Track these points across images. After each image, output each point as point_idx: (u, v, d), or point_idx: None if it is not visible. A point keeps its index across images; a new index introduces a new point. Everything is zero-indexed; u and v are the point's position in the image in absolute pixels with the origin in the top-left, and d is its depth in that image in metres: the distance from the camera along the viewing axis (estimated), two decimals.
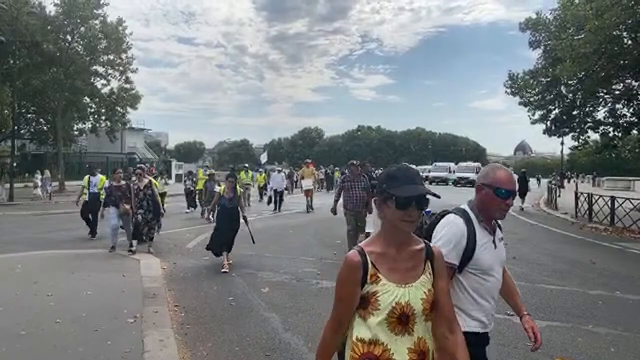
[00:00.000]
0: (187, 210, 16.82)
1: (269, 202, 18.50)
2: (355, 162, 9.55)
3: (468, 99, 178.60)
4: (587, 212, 16.25)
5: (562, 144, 51.22)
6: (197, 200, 17.01)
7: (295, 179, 29.96)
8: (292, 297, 6.04)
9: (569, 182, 48.86)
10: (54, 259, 8.07)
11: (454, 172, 44.86)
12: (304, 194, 18.07)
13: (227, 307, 5.62)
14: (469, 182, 39.86)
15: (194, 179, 17.76)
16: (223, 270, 7.44)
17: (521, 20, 22.33)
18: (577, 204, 17.52)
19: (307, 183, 18.11)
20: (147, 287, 6.31)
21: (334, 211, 9.10)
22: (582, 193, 17.82)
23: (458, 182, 40.80)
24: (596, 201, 16.04)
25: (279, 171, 19.60)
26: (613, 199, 14.93)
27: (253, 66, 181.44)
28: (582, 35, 16.24)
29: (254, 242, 8.20)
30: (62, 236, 11.23)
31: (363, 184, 8.53)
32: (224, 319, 5.21)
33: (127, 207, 8.82)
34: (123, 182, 9.25)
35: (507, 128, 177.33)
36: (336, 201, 9.01)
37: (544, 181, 43.49)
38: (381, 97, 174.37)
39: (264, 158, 40.18)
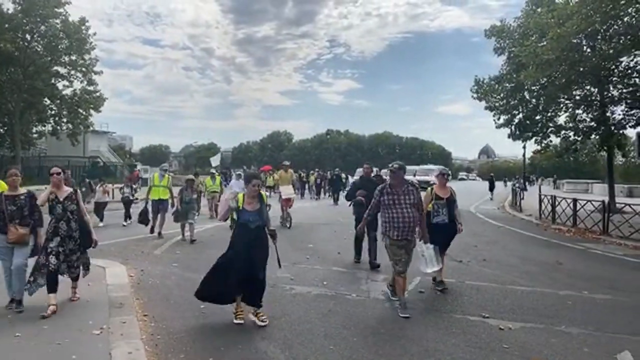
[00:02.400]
0: (125, 223, 14.15)
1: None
2: (368, 165, 9.17)
3: (434, 103, 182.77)
4: (551, 214, 16.75)
5: (523, 147, 52.64)
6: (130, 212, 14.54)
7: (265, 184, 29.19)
8: (266, 303, 5.85)
9: (531, 185, 50.33)
10: None
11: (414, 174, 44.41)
12: (282, 204, 14.03)
13: (198, 315, 5.43)
14: (429, 186, 39.53)
15: (133, 186, 15.93)
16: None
17: (486, 27, 22.91)
18: (540, 206, 18.03)
19: (287, 191, 14.31)
20: (114, 296, 6.04)
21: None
22: (545, 195, 18.34)
23: (420, 187, 40.70)
24: (559, 203, 16.54)
25: (239, 176, 15.43)
26: (575, 201, 15.40)
27: (220, 69, 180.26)
28: (545, 43, 16.74)
29: (280, 266, 5.61)
30: None
31: (413, 198, 5.73)
32: (196, 328, 5.02)
33: (23, 231, 5.30)
34: (23, 191, 5.48)
35: (471, 132, 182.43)
36: (366, 219, 6.34)
37: (509, 184, 44.79)
38: (349, 101, 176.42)
39: (215, 161, 33.18)
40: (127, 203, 14.77)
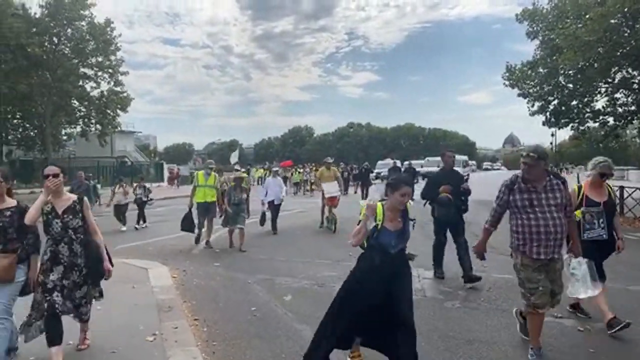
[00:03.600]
0: (137, 226, 13.17)
1: (263, 221, 11.45)
2: (450, 152, 7.17)
3: (454, 93, 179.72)
4: None
5: (552, 135, 51.34)
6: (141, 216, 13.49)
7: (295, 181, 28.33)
8: (319, 305, 5.57)
9: (566, 173, 48.94)
10: None
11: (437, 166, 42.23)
12: (326, 203, 12.26)
13: (251, 319, 5.18)
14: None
15: (146, 186, 14.30)
16: None
17: (510, 13, 22.17)
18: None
19: (331, 188, 12.29)
20: (161, 299, 5.85)
21: (480, 255, 4.64)
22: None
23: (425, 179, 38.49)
24: None
25: (276, 173, 13.27)
26: (622, 188, 14.70)
27: (240, 66, 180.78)
28: (584, 24, 15.98)
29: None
30: None
31: (559, 197, 3.98)
32: (251, 333, 4.77)
33: (5, 261, 3.68)
34: (10, 203, 3.85)
35: (493, 121, 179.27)
36: (488, 231, 4.46)
37: None
38: (369, 94, 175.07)
39: (234, 158, 31.04)
40: (140, 205, 13.69)
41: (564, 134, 67.05)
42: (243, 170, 18.55)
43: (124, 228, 12.79)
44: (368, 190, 21.70)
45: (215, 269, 7.73)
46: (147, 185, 14.92)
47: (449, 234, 6.82)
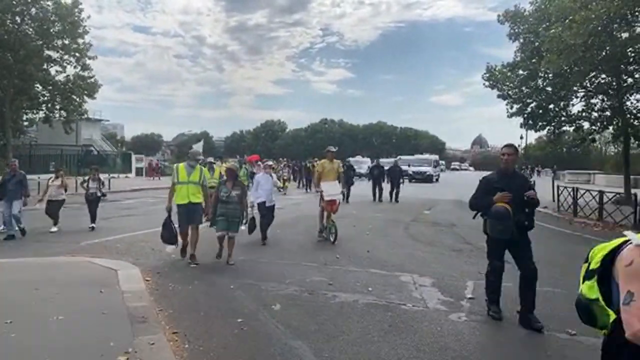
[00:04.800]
0: (90, 226, 11.16)
1: (252, 229, 9.30)
2: (510, 147, 5.13)
3: (426, 93, 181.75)
4: (572, 206, 16.05)
5: (521, 137, 52.25)
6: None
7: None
8: (312, 316, 5.07)
9: (537, 175, 49.83)
10: (9, 271, 6.74)
11: (408, 165, 38.28)
12: (325, 208, 9.74)
13: (238, 333, 4.58)
14: (425, 178, 36.70)
15: (101, 178, 12.14)
16: None
17: (479, 17, 22.15)
18: (558, 198, 17.36)
19: (331, 189, 9.71)
20: (133, 307, 5.18)
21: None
22: (565, 187, 17.67)
23: (413, 178, 37.07)
24: (582, 195, 15.85)
25: (268, 167, 10.76)
26: (602, 193, 14.73)
27: (212, 57, 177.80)
28: (568, 27, 15.91)
29: None
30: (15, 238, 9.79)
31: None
32: (240, 351, 4.17)
33: None
34: None
35: (463, 123, 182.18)
36: None
37: None
38: (342, 90, 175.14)
39: (197, 149, 27.46)
40: (93, 202, 11.47)
41: (530, 137, 68.31)
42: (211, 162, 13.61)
43: (54, 228, 10.81)
44: (349, 189, 19.62)
45: (192, 271, 7.06)
46: (102, 177, 12.60)
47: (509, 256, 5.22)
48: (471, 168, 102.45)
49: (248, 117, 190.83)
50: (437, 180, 40.22)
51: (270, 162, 10.65)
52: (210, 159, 13.84)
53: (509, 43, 21.62)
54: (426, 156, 46.17)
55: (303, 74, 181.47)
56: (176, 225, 7.65)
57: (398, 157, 39.20)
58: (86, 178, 12.13)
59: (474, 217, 5.39)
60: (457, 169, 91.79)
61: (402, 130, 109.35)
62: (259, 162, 17.60)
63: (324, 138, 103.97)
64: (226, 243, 7.70)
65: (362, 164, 39.61)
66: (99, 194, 11.67)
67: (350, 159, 37.87)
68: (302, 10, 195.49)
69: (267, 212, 9.62)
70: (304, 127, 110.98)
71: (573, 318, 5.08)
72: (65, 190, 11.61)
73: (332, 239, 9.49)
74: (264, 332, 4.60)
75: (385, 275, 6.92)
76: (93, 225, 11.25)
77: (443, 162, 65.81)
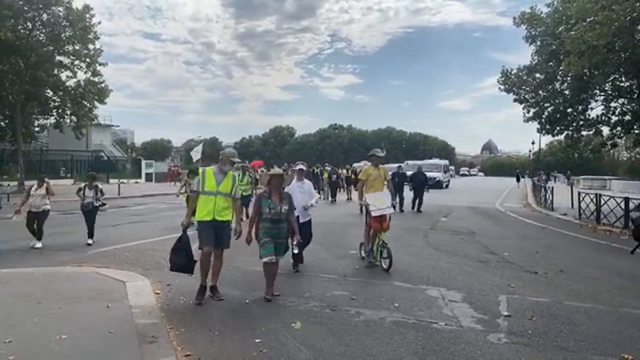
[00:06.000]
0: (90, 242, 9.82)
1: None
2: None
3: (435, 99, 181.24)
4: (595, 213, 15.47)
5: (532, 142, 51.40)
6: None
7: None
8: (337, 336, 4.64)
9: (554, 181, 48.88)
10: (11, 282, 6.38)
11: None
12: (372, 225, 7.82)
13: (257, 356, 4.16)
14: (435, 184, 32.69)
15: (99, 187, 10.34)
16: None
17: (487, 22, 21.72)
18: (579, 204, 16.78)
19: (380, 202, 7.82)
20: (142, 325, 4.79)
21: None
22: (586, 193, 17.10)
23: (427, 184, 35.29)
24: (606, 202, 15.28)
25: (301, 172, 8.09)
26: (627, 200, 14.14)
27: (221, 63, 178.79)
28: (591, 28, 15.41)
29: None
30: (21, 247, 9.40)
31: None
32: None
33: None
34: None
35: (472, 128, 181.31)
36: None
37: (522, 180, 43.30)
38: (350, 96, 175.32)
39: (196, 154, 24.98)
40: (89, 213, 10.01)
41: (540, 142, 67.42)
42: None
43: (38, 245, 9.38)
44: (403, 200, 17.45)
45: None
46: (100, 185, 10.71)
47: None
48: (481, 173, 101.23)
49: (257, 123, 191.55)
50: (446, 186, 38.67)
51: (301, 166, 8.17)
52: (246, 163, 11.90)
53: (519, 48, 22.17)
54: (435, 161, 44.53)
55: (311, 79, 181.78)
56: (194, 246, 5.90)
57: (405, 162, 37.95)
58: (82, 186, 10.43)
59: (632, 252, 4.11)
60: (467, 175, 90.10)
61: (411, 136, 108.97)
62: (262, 168, 16.68)
63: (333, 143, 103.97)
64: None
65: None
66: (96, 204, 10.11)
67: (355, 164, 37.19)
68: (311, 16, 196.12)
69: (303, 229, 7.14)
70: (313, 132, 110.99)
71: (626, 339, 4.66)
72: (53, 195, 10.13)
73: (385, 265, 7.61)
74: (286, 354, 4.17)
75: (410, 289, 6.46)
76: (90, 241, 9.80)
77: (452, 168, 64.56)
